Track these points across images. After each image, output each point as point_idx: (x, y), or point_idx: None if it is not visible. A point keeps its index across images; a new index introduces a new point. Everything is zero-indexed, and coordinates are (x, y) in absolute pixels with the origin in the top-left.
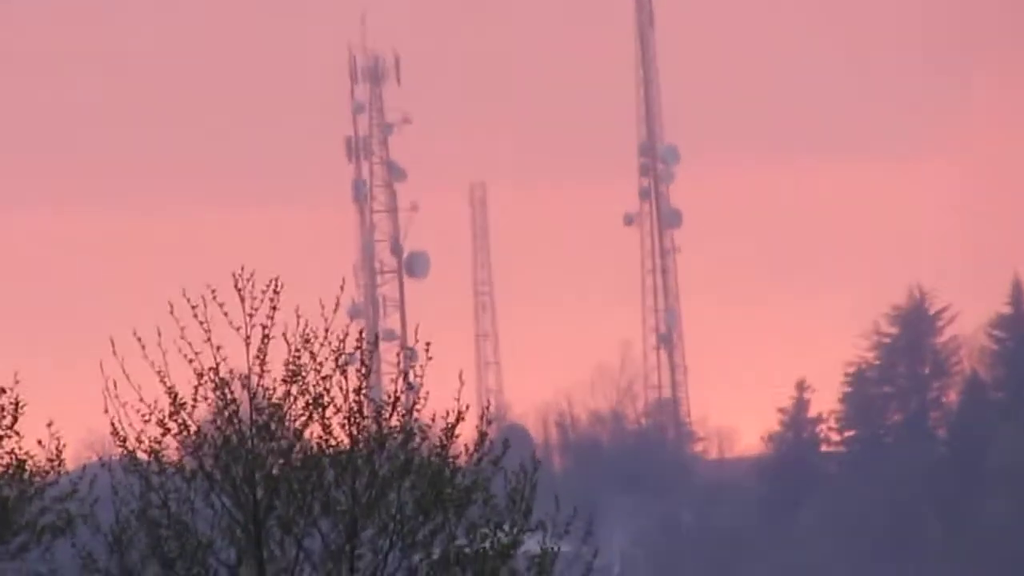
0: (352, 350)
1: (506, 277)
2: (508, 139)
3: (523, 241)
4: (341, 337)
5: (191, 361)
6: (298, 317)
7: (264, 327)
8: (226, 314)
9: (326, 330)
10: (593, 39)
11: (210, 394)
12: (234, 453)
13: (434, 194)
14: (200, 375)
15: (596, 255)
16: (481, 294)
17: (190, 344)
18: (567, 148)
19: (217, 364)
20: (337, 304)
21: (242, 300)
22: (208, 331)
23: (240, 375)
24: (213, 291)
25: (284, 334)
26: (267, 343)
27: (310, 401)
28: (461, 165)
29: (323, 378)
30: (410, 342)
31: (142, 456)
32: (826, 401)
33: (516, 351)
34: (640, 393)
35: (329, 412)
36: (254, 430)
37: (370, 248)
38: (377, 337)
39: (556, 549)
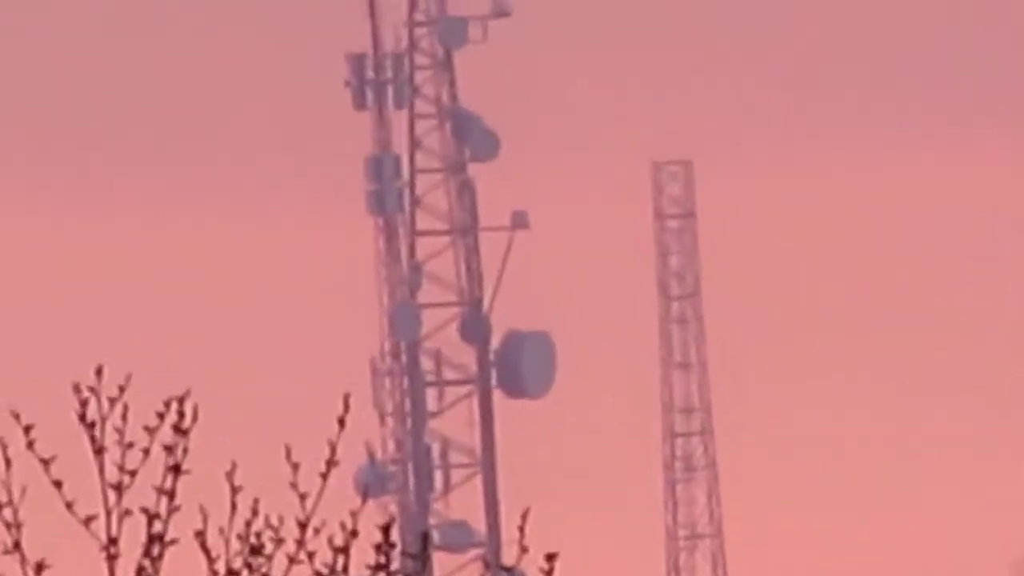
0: (366, 572)
1: (727, 376)
2: (719, 97)
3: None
4: (342, 541)
5: None
6: (234, 490)
7: (152, 518)
8: (60, 485)
9: (304, 523)
10: None
11: None
12: None
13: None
14: None
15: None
16: (680, 434)
17: None
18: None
19: None
20: (331, 458)
21: (98, 455)
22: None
23: None
24: (28, 428)
25: (200, 534)
26: (163, 551)
27: None
28: (621, 129)
29: None
30: (507, 557)
31: None
32: None
33: (752, 560)
34: None
35: None
36: None
37: (410, 320)
38: (427, 537)
39: None
